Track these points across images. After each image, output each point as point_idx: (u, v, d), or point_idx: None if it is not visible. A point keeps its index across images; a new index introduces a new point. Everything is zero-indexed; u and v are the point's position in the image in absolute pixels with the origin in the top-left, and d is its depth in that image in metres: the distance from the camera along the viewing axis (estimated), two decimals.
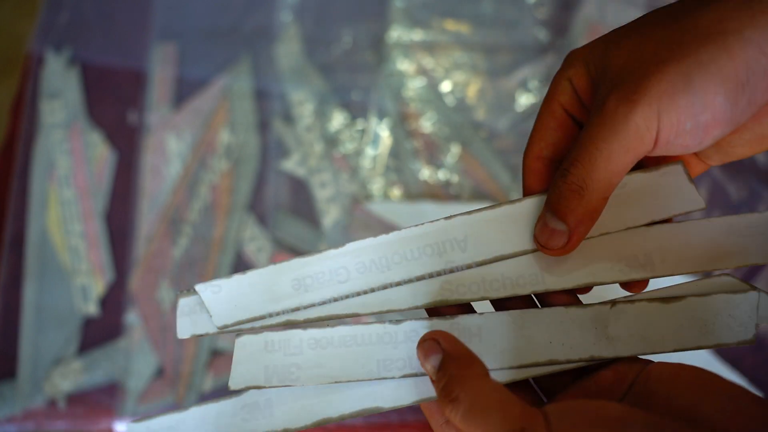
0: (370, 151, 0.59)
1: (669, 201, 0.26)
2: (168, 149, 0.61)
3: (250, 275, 0.27)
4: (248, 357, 0.26)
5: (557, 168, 0.26)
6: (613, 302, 0.26)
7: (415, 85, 0.61)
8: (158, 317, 0.56)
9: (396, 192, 0.58)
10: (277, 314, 0.27)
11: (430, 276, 0.26)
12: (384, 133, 0.60)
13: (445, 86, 0.61)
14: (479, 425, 0.20)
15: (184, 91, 0.63)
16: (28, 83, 0.64)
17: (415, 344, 0.24)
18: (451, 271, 0.26)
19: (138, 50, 0.64)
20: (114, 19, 0.66)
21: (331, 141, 0.60)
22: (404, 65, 0.62)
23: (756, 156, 0.57)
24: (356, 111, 0.61)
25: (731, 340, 0.25)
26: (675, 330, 0.25)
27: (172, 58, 0.64)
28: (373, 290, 0.26)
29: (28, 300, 0.57)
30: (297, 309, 0.26)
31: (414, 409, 0.53)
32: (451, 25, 0.63)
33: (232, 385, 0.26)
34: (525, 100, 0.61)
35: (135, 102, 0.63)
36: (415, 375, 0.25)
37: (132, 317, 0.56)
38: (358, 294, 0.26)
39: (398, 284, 0.26)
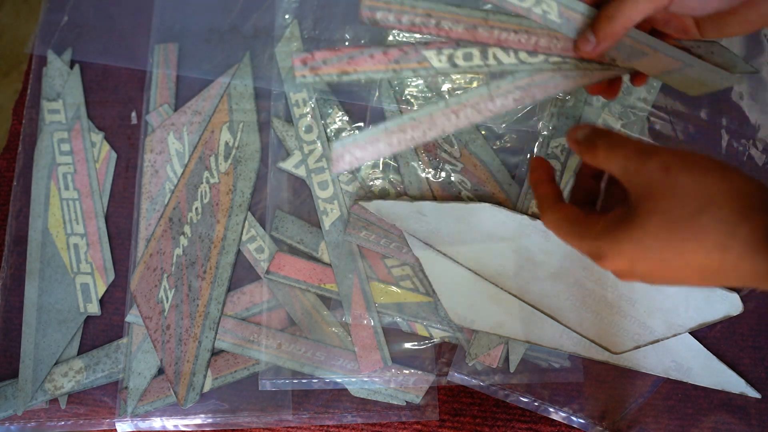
0: None
1: None
2: (168, 149, 0.61)
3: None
4: None
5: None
6: None
7: (415, 85, 0.61)
8: (158, 317, 0.56)
9: (396, 191, 0.58)
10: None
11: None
12: None
13: (445, 86, 0.61)
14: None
15: (184, 91, 0.63)
16: (29, 84, 0.64)
17: None
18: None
19: (138, 51, 0.64)
20: (115, 21, 0.66)
21: (331, 141, 0.60)
22: None
23: (755, 155, 0.57)
24: (356, 111, 0.61)
25: None
26: None
27: (172, 58, 0.64)
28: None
29: (29, 300, 0.58)
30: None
31: (413, 408, 0.54)
32: None
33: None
34: None
35: (135, 102, 0.63)
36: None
37: (132, 317, 0.57)
38: None
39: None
